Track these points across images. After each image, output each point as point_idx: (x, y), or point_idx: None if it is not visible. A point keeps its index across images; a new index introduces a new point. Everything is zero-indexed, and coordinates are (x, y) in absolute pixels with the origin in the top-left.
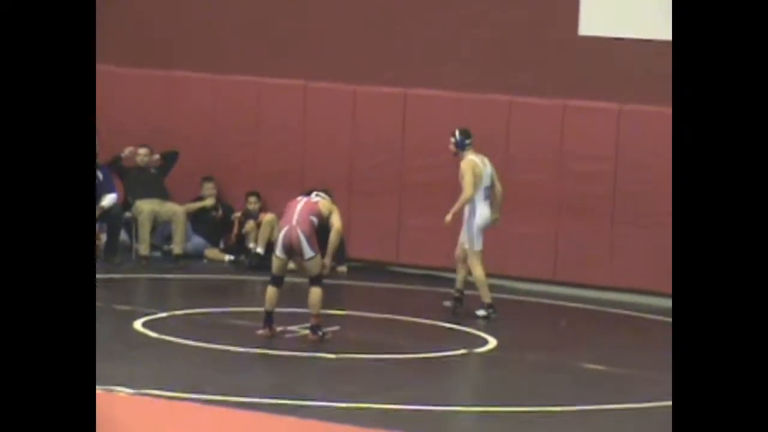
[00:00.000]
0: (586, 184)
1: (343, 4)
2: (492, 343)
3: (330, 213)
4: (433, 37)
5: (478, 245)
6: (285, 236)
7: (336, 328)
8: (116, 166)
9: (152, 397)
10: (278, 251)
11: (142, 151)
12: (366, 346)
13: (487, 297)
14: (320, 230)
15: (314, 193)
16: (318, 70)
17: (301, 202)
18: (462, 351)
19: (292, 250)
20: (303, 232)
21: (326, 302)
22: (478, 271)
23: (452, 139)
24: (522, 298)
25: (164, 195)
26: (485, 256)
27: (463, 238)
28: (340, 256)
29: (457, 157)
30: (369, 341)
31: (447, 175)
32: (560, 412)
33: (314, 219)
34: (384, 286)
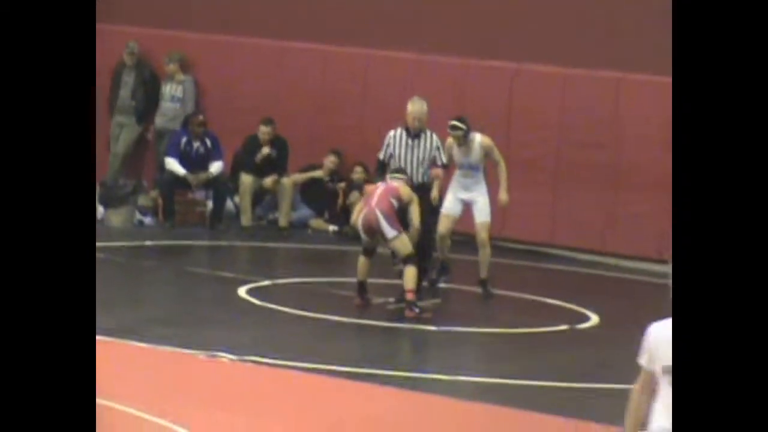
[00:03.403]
0: None
1: None
2: (594, 319)
3: (410, 200)
4: (544, 11)
5: None
6: (364, 219)
7: (437, 300)
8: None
9: (254, 363)
10: (361, 234)
11: (265, 129)
12: (467, 319)
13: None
14: (400, 213)
15: (392, 174)
16: (427, 43)
17: (382, 186)
18: (564, 327)
19: (372, 231)
20: (382, 211)
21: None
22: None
23: (459, 132)
24: (627, 276)
25: (279, 171)
26: (590, 232)
27: (481, 210)
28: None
29: (464, 144)
30: (470, 315)
31: (550, 150)
32: None
33: (394, 201)
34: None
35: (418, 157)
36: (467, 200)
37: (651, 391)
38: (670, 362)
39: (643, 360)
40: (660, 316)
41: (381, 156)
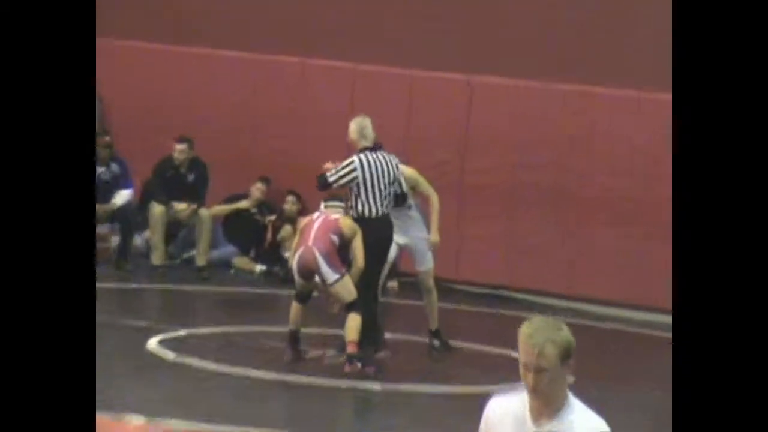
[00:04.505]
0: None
1: None
2: None
3: (353, 235)
4: (498, 24)
5: None
6: (300, 260)
7: (383, 354)
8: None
9: (167, 426)
10: (296, 277)
11: (181, 147)
12: (416, 376)
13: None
14: (342, 249)
15: (326, 203)
16: (368, 53)
17: (319, 219)
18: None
19: (311, 274)
20: (320, 250)
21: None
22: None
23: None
24: (591, 323)
25: (197, 201)
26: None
27: (422, 257)
28: (391, 270)
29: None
30: (420, 370)
31: (506, 176)
32: None
33: (335, 238)
34: (440, 305)
35: None
36: (404, 245)
37: None
38: None
39: None
40: (623, 370)
41: None
